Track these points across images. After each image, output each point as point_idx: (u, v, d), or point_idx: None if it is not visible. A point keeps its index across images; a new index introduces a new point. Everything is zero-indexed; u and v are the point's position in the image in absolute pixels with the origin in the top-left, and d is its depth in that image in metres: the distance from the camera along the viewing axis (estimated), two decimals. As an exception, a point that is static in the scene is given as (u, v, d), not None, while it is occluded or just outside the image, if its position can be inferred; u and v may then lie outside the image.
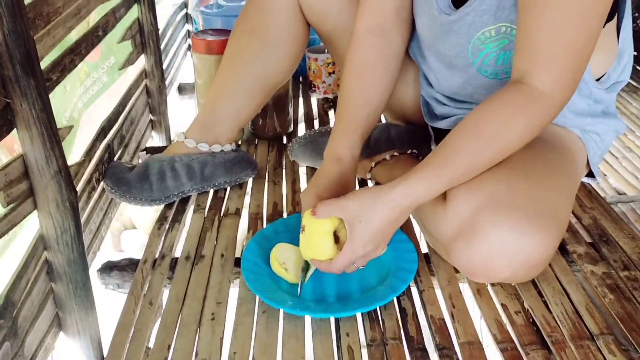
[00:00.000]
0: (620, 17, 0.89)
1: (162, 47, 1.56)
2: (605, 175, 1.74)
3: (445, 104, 1.05)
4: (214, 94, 1.12)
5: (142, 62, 1.43)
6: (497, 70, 0.92)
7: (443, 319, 0.82)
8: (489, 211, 0.76)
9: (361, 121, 0.96)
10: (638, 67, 2.28)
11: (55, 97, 0.97)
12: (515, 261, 0.76)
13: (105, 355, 0.78)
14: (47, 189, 0.76)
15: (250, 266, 0.89)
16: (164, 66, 1.55)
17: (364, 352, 0.77)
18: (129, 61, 1.32)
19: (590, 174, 1.02)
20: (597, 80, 0.94)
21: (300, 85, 1.74)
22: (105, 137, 1.12)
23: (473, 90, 0.97)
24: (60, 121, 1.00)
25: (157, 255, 0.97)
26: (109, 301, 1.09)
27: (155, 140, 1.52)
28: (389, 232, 0.81)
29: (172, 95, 1.83)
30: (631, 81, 2.23)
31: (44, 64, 0.86)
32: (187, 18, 2.09)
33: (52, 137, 0.76)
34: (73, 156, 1.00)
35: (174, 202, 1.11)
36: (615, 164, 1.79)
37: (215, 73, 1.18)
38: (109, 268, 0.97)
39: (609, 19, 0.86)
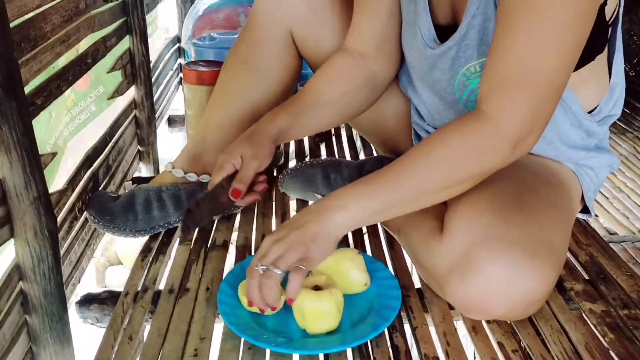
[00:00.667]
0: (612, 50, 0.89)
1: (153, 79, 1.55)
2: (596, 215, 1.73)
3: None
4: (204, 123, 1.11)
5: (132, 92, 1.42)
6: None
7: (437, 357, 0.78)
8: (485, 245, 0.73)
9: (299, 106, 0.96)
10: (627, 110, 2.31)
11: (40, 124, 0.95)
12: (512, 298, 0.73)
13: (80, 393, 0.73)
14: (25, 216, 0.73)
15: (229, 305, 0.85)
16: (155, 98, 1.54)
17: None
18: (119, 91, 1.31)
19: (585, 210, 1.01)
20: (589, 113, 0.93)
21: (292, 119, 1.72)
22: (90, 166, 1.09)
23: None
24: (44, 148, 0.97)
25: (139, 288, 0.93)
26: (87, 336, 1.04)
27: (143, 172, 1.50)
28: (318, 238, 0.75)
29: (162, 128, 1.81)
30: (619, 123, 2.25)
31: (29, 88, 0.84)
32: (180, 52, 2.09)
33: (33, 162, 0.73)
34: (56, 185, 0.97)
35: (159, 233, 1.08)
36: (606, 204, 1.78)
37: (205, 104, 1.17)
38: (88, 301, 0.93)
39: (599, 51, 0.86)
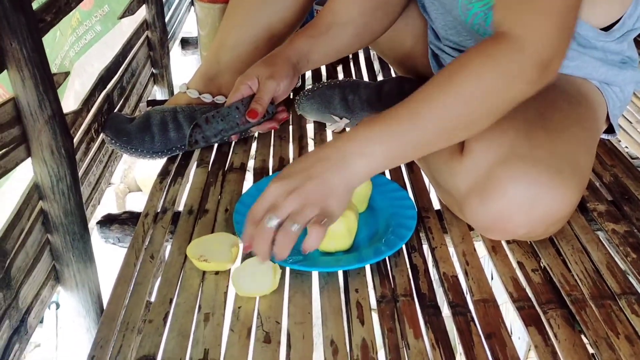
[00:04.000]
0: None
1: (164, -2, 1.49)
2: (618, 140, 1.69)
3: (452, 56, 1.00)
4: (218, 43, 1.07)
5: (142, 13, 1.38)
6: (487, 30, 0.87)
7: (456, 276, 0.78)
8: (508, 164, 0.71)
9: (317, 28, 0.94)
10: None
11: (45, 43, 0.93)
12: (534, 217, 0.72)
13: (104, 308, 0.75)
14: (40, 135, 0.72)
15: (244, 222, 0.84)
16: (167, 19, 1.49)
17: (374, 312, 0.74)
18: (129, 10, 1.27)
19: (609, 130, 0.98)
20: (608, 28, 0.87)
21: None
22: (104, 87, 1.07)
23: (476, 42, 0.92)
24: (51, 69, 0.95)
25: (158, 209, 0.93)
26: (109, 255, 1.06)
27: (157, 95, 1.47)
28: (337, 189, 0.69)
29: (175, 51, 1.77)
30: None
31: (37, 4, 0.81)
32: (191, -29, 2.01)
33: (46, 79, 0.71)
34: (64, 106, 0.96)
35: (176, 156, 1.07)
36: (629, 128, 1.73)
37: (219, 24, 1.13)
38: (109, 221, 0.94)
39: None
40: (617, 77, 0.91)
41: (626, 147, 1.66)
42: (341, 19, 0.94)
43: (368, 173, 0.71)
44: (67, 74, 0.87)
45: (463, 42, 0.95)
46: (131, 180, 3.08)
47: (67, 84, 0.95)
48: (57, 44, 0.97)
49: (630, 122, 1.78)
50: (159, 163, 1.07)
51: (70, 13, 0.98)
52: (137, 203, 2.90)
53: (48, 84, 0.71)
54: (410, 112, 0.69)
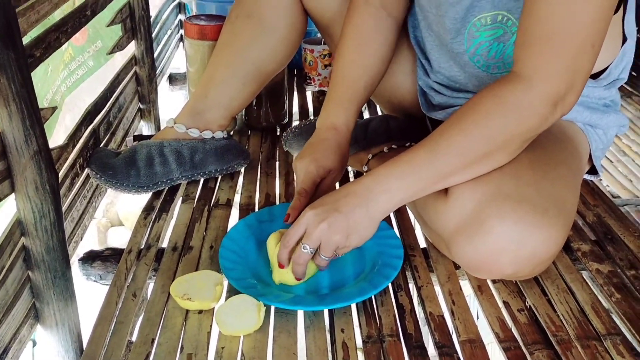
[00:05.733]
0: (625, 11, 0.85)
1: (153, 34, 1.51)
2: (599, 179, 1.71)
3: (441, 93, 1.02)
4: (207, 78, 1.08)
5: (132, 48, 1.39)
6: (489, 62, 0.89)
7: (442, 316, 0.78)
8: (495, 203, 0.72)
9: (358, 92, 0.93)
10: (633, 73, 2.27)
11: (36, 78, 0.92)
12: (521, 257, 0.72)
13: (84, 348, 0.73)
14: (25, 170, 0.71)
15: (231, 260, 0.84)
16: (155, 55, 1.50)
17: (360, 351, 0.73)
18: (118, 46, 1.27)
19: (592, 170, 0.99)
20: (597, 76, 0.90)
21: (295, 78, 1.70)
22: (91, 122, 1.07)
23: (466, 78, 0.94)
24: (42, 104, 0.95)
25: (142, 246, 0.92)
26: (91, 293, 1.04)
27: (144, 130, 1.47)
28: (360, 224, 0.76)
29: (163, 86, 1.78)
30: (625, 85, 2.21)
31: (27, 39, 0.81)
32: (180, 8, 2.04)
33: (33, 115, 0.71)
34: (54, 141, 0.95)
35: (161, 191, 1.07)
36: (610, 167, 1.77)
37: (208, 61, 1.14)
38: (91, 258, 0.92)
39: (615, 10, 0.83)
40: (601, 120, 0.93)
41: (607, 185, 1.69)
42: (371, 76, 0.95)
43: (390, 207, 0.77)
44: (54, 109, 0.87)
45: (454, 77, 0.96)
46: (113, 214, 3.04)
47: (57, 118, 0.95)
48: (48, 78, 0.97)
49: (612, 161, 1.82)
50: (143, 198, 1.06)
51: (62, 48, 0.99)
52: (119, 238, 2.86)
53: (35, 119, 0.71)
54: (427, 149, 0.74)
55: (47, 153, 0.74)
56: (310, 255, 0.77)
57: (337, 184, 0.95)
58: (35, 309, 0.79)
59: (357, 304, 0.79)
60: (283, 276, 0.81)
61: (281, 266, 0.79)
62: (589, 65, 0.71)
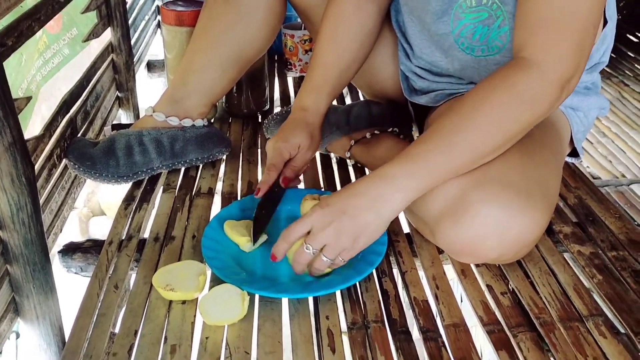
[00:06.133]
0: None
1: (130, 21, 1.48)
2: (580, 161, 1.73)
3: (424, 78, 1.01)
4: (185, 65, 1.06)
5: (108, 36, 1.36)
6: (473, 45, 0.88)
7: (426, 301, 0.78)
8: (480, 188, 0.72)
9: (331, 78, 0.93)
10: (613, 55, 2.28)
11: (10, 68, 0.90)
12: (505, 240, 0.72)
13: (66, 341, 0.72)
14: (0, 163, 0.70)
15: (214, 249, 0.84)
16: (132, 42, 1.48)
17: (345, 335, 0.73)
18: (94, 33, 1.25)
19: (573, 153, 1.00)
20: None
21: (276, 64, 1.68)
22: (67, 111, 1.05)
23: (449, 62, 0.94)
24: (16, 93, 0.93)
25: (123, 237, 0.91)
26: (71, 286, 1.03)
27: (122, 119, 1.45)
28: (369, 227, 0.74)
29: (141, 74, 1.75)
30: (605, 68, 2.23)
31: (-2, 28, 0.79)
32: (157, -6, 2.00)
33: (6, 105, 0.69)
34: (30, 132, 0.93)
35: (142, 181, 1.05)
36: (590, 149, 1.78)
37: (186, 47, 1.12)
38: (71, 250, 0.91)
39: None
40: (582, 102, 0.93)
41: (587, 166, 1.71)
42: (350, 63, 0.95)
43: (402, 207, 0.74)
44: (29, 99, 0.85)
45: (436, 63, 0.96)
46: (95, 204, 3.01)
47: (32, 108, 0.93)
48: (22, 68, 0.94)
49: (592, 143, 1.84)
50: (124, 187, 1.05)
51: (37, 36, 0.96)
52: (100, 228, 2.83)
53: (8, 109, 0.69)
54: (443, 143, 0.72)
55: (22, 144, 0.72)
56: (312, 257, 0.75)
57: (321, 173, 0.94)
58: (15, 303, 0.77)
59: (341, 291, 0.79)
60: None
61: (274, 259, 0.77)
62: (591, 45, 0.72)
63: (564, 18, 0.68)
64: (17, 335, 0.98)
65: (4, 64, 0.73)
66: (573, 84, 0.72)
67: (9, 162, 0.70)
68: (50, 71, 1.08)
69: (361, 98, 1.40)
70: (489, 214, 0.71)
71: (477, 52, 0.89)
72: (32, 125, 0.95)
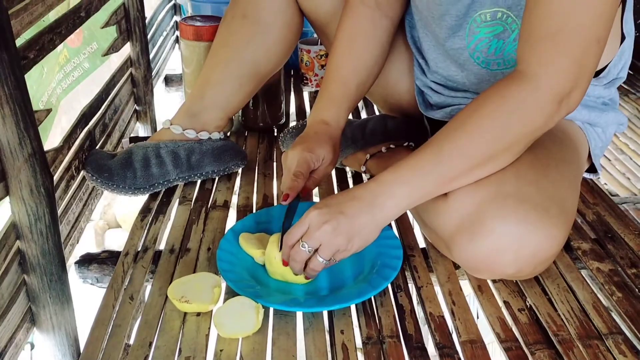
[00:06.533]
0: (624, 9, 0.85)
1: (149, 36, 1.50)
2: (598, 178, 1.71)
3: (439, 93, 1.01)
4: (203, 79, 1.07)
5: (127, 50, 1.38)
6: (488, 59, 0.88)
7: (442, 317, 0.77)
8: (496, 203, 0.71)
9: (349, 92, 0.93)
10: (630, 72, 2.26)
11: (32, 80, 0.92)
12: (522, 256, 0.72)
13: (81, 351, 0.72)
14: (20, 173, 0.70)
15: (229, 262, 0.84)
16: (151, 56, 1.50)
17: (359, 351, 0.72)
18: (114, 47, 1.27)
19: (591, 169, 0.99)
20: (597, 75, 0.90)
21: (292, 79, 1.69)
22: (86, 124, 1.06)
23: (465, 77, 0.94)
24: (37, 106, 0.94)
25: (139, 248, 0.92)
26: (87, 296, 1.03)
27: (140, 132, 1.46)
28: (364, 229, 0.75)
29: (159, 88, 1.77)
30: (623, 84, 2.21)
31: (20, 41, 0.80)
32: (175, 9, 2.03)
33: (27, 117, 0.70)
34: (50, 144, 0.95)
35: (158, 193, 1.06)
36: (608, 166, 1.76)
37: (204, 62, 1.14)
38: (87, 261, 0.91)
39: None
40: (600, 118, 0.93)
41: (605, 183, 1.69)
42: (365, 77, 0.95)
43: (396, 213, 0.75)
44: (49, 111, 0.86)
45: (451, 77, 0.96)
46: (111, 216, 3.03)
47: (52, 121, 0.94)
48: (43, 80, 0.96)
49: (609, 160, 1.81)
50: (140, 199, 1.05)
51: (57, 50, 0.98)
52: (116, 240, 2.84)
53: (29, 121, 0.70)
54: (433, 152, 0.73)
55: (41, 155, 0.73)
56: (309, 255, 0.75)
57: (335, 189, 0.94)
58: (31, 313, 0.78)
59: (356, 305, 0.79)
60: (285, 274, 0.80)
61: (285, 264, 0.78)
62: (595, 61, 0.70)
63: (563, 33, 0.67)
64: (32, 346, 0.99)
65: (25, 76, 0.75)
66: (574, 99, 0.71)
67: (28, 173, 0.71)
68: (70, 84, 1.10)
69: (376, 112, 1.40)
70: (506, 230, 0.71)
71: (492, 65, 0.89)
72: (52, 137, 0.97)
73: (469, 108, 0.74)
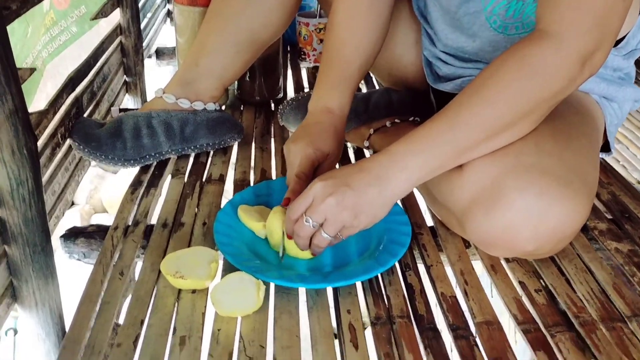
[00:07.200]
0: None
1: (140, 4, 1.43)
2: (612, 156, 1.68)
3: (449, 64, 0.96)
4: (198, 46, 1.01)
5: (117, 16, 1.31)
6: (506, 22, 0.83)
7: (455, 297, 0.72)
8: (515, 175, 0.66)
9: (351, 73, 0.87)
10: None
11: (15, 38, 0.85)
12: (543, 232, 0.67)
13: (67, 330, 0.66)
14: (0, 132, 0.64)
15: (228, 233, 0.78)
16: (142, 26, 1.42)
17: (368, 330, 0.67)
18: (103, 12, 1.20)
19: (604, 148, 0.94)
20: (616, 45, 0.85)
21: (289, 55, 1.63)
22: (73, 89, 1.00)
23: (477, 46, 0.88)
24: (21, 66, 0.87)
25: (129, 222, 0.86)
26: (73, 272, 0.97)
27: (130, 104, 1.40)
28: (372, 204, 0.69)
29: (150, 61, 1.70)
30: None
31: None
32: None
33: (8, 70, 0.64)
34: (34, 108, 0.88)
35: (149, 165, 1.00)
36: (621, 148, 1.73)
37: (198, 29, 1.07)
38: (74, 235, 0.85)
39: None
40: (617, 93, 0.88)
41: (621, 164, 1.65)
42: (367, 55, 0.89)
43: (407, 187, 0.70)
44: (32, 70, 0.79)
45: (462, 47, 0.90)
46: (97, 201, 2.95)
47: (37, 84, 0.88)
48: (28, 40, 0.89)
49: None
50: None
51: (44, 10, 0.91)
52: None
53: (10, 75, 0.63)
54: (448, 121, 0.68)
55: (24, 114, 0.66)
56: (313, 230, 0.70)
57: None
58: (12, 287, 0.72)
59: (363, 284, 0.74)
60: (288, 248, 0.75)
61: (289, 237, 0.73)
62: (619, 22, 0.65)
63: None
64: (15, 332, 0.93)
65: (9, 32, 0.68)
66: (597, 61, 0.66)
67: (9, 131, 0.64)
68: (57, 48, 1.03)
69: (376, 86, 1.35)
70: (525, 203, 0.66)
71: (510, 30, 0.83)
72: (37, 102, 0.90)
73: (485, 72, 0.68)
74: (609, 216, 0.89)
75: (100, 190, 2.92)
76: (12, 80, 0.63)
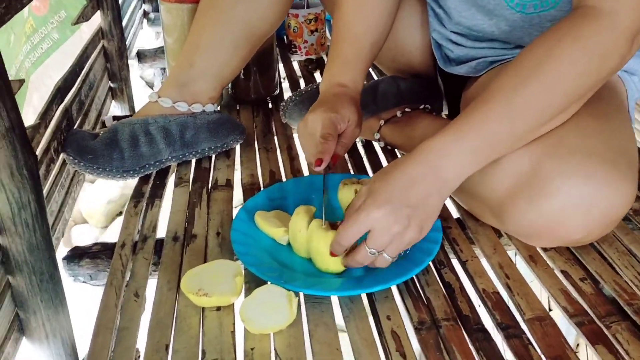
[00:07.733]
0: None
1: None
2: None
3: (461, 45, 0.91)
4: (190, 45, 0.95)
5: (98, 20, 1.23)
6: (524, 1, 0.78)
7: (498, 293, 0.68)
8: (558, 158, 0.62)
9: (363, 49, 0.82)
10: None
11: (-1, 48, 0.78)
12: (593, 218, 0.63)
13: (83, 363, 0.60)
14: (-4, 153, 0.58)
15: (245, 244, 0.73)
16: (121, 29, 1.35)
17: (413, 337, 0.63)
18: (83, 16, 1.12)
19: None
20: None
21: (278, 49, 1.56)
22: (62, 100, 0.93)
23: (494, 25, 0.84)
24: (6, 78, 0.80)
25: (136, 238, 0.80)
26: (80, 297, 0.90)
27: (116, 112, 1.32)
28: (435, 212, 0.65)
29: (131, 65, 1.62)
30: None
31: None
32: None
33: (1, 84, 0.57)
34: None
35: (149, 175, 0.93)
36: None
37: (188, 27, 1.01)
38: (77, 256, 0.79)
39: None
40: (638, 66, 0.84)
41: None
42: (380, 35, 0.85)
43: (459, 184, 0.65)
44: (21, 81, 0.73)
45: (476, 27, 0.86)
46: (76, 212, 2.86)
47: (24, 97, 0.81)
48: (10, 50, 0.82)
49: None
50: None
51: (23, 18, 0.84)
52: (84, 236, 2.69)
53: (4, 89, 0.57)
54: (502, 108, 0.62)
55: (21, 130, 0.60)
56: (376, 257, 0.66)
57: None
58: (19, 320, 0.65)
59: (398, 287, 0.69)
60: (320, 262, 0.70)
61: (333, 255, 0.67)
62: None
63: None
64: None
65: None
66: None
67: (7, 151, 0.58)
68: (39, 57, 0.96)
69: (374, 77, 1.30)
70: (573, 189, 0.62)
71: (528, 8, 0.79)
72: (25, 116, 0.83)
73: (537, 53, 0.63)
74: (640, 194, 0.85)
75: (78, 202, 2.82)
76: (7, 94, 0.57)
